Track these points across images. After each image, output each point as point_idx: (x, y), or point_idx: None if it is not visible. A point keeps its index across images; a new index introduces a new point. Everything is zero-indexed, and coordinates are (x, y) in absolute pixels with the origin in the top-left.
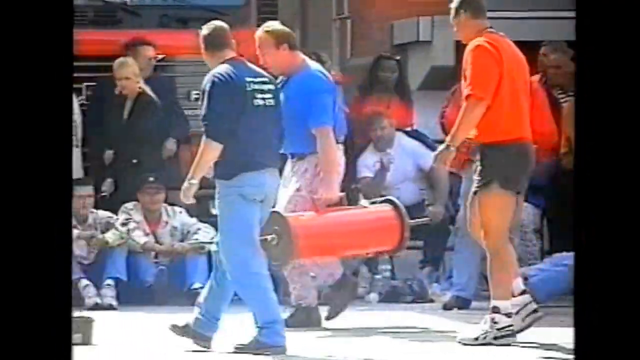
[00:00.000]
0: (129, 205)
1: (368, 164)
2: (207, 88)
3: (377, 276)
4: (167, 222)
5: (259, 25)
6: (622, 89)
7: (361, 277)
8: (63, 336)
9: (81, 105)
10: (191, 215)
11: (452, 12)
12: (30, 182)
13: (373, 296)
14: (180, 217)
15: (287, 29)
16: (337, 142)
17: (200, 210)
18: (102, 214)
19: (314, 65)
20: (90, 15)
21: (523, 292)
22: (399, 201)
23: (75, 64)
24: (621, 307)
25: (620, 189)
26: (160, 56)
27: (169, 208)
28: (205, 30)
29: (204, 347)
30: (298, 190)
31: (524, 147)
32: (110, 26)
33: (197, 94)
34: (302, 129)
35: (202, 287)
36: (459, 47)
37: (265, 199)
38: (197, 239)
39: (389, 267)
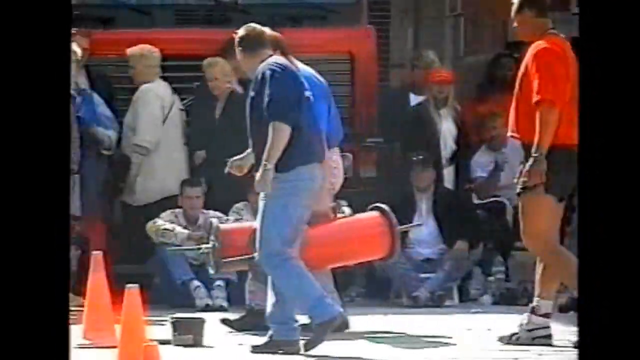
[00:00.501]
0: (240, 205)
1: (482, 163)
2: (268, 76)
3: (490, 278)
4: None
5: (370, 23)
6: (625, 88)
7: (475, 279)
8: (61, 336)
9: (189, 104)
10: None
11: (515, 7)
12: (28, 180)
13: (486, 298)
14: None
15: (273, 33)
16: (330, 148)
17: None
18: (213, 214)
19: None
20: (201, 15)
21: (547, 315)
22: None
23: (187, 63)
24: (625, 308)
25: (625, 189)
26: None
27: None
28: (242, 31)
29: (294, 352)
30: None
31: (575, 153)
32: (220, 25)
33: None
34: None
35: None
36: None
37: (317, 192)
38: None
39: (502, 268)
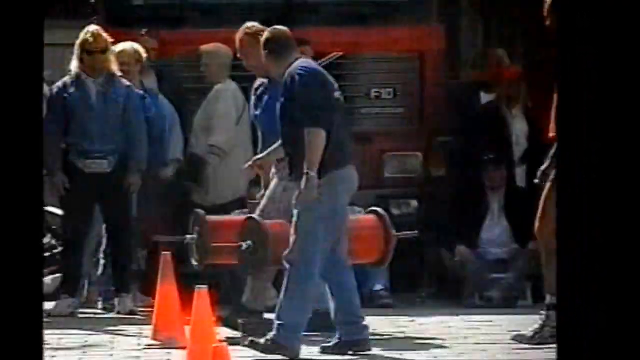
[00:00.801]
0: None
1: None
2: (297, 80)
3: None
4: None
5: (440, 20)
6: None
7: None
8: (34, 331)
9: None
10: None
11: (548, 5)
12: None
13: None
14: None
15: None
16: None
17: None
18: None
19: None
20: (269, 14)
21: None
22: None
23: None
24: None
25: (608, 185)
26: (339, 54)
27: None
28: (268, 34)
29: (365, 350)
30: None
31: None
32: (289, 24)
33: (377, 91)
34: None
35: (383, 289)
36: None
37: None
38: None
39: None
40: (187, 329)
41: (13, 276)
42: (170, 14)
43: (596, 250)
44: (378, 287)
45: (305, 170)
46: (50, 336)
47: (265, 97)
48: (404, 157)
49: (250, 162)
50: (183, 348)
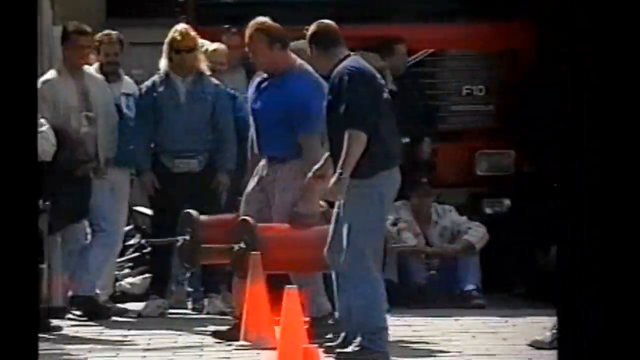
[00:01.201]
0: (398, 203)
1: None
2: (345, 81)
3: None
4: (436, 222)
5: (532, 14)
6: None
7: None
8: (30, 332)
9: None
10: (460, 214)
11: None
12: None
13: None
14: (450, 216)
15: (280, 27)
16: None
17: (471, 208)
18: None
19: (306, 67)
20: (355, 11)
21: None
22: None
23: None
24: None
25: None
26: (429, 51)
27: (439, 207)
28: (314, 27)
29: None
30: (292, 200)
31: None
32: (375, 22)
33: (469, 89)
34: (288, 133)
35: (475, 289)
36: None
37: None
38: (467, 240)
39: None
40: (277, 329)
41: (9, 277)
42: (258, 12)
43: (596, 250)
44: (470, 287)
45: (339, 170)
46: (140, 337)
47: (266, 93)
48: (496, 155)
49: (310, 175)
50: (273, 349)
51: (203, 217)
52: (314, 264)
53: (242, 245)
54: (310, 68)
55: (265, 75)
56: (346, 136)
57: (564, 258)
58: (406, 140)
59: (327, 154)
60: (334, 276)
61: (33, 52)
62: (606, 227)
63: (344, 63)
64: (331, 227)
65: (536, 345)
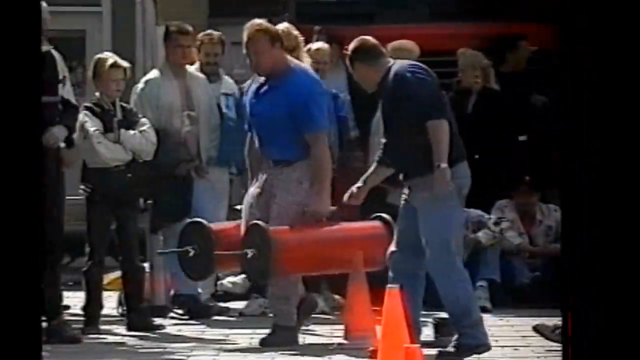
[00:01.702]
0: (503, 202)
1: None
2: (410, 77)
3: None
4: (541, 222)
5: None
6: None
7: None
8: (33, 334)
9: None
10: None
11: None
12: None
13: None
14: (555, 216)
15: (276, 28)
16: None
17: None
18: (474, 212)
19: (303, 65)
20: (455, 9)
21: None
22: None
23: (442, 58)
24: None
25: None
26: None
27: (544, 206)
28: (356, 43)
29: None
30: (295, 201)
31: None
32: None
33: None
34: (293, 135)
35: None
36: None
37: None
38: None
39: None
40: (378, 328)
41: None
42: (358, 10)
43: (596, 250)
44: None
45: (436, 164)
46: (241, 337)
47: (268, 96)
48: None
49: (360, 184)
50: (375, 348)
51: (214, 226)
52: (330, 263)
53: (254, 250)
54: (307, 66)
55: (262, 80)
56: (430, 128)
57: (565, 258)
58: (523, 138)
59: (372, 167)
60: (390, 275)
61: (35, 52)
62: (606, 227)
63: (395, 68)
64: (397, 226)
65: (540, 329)
